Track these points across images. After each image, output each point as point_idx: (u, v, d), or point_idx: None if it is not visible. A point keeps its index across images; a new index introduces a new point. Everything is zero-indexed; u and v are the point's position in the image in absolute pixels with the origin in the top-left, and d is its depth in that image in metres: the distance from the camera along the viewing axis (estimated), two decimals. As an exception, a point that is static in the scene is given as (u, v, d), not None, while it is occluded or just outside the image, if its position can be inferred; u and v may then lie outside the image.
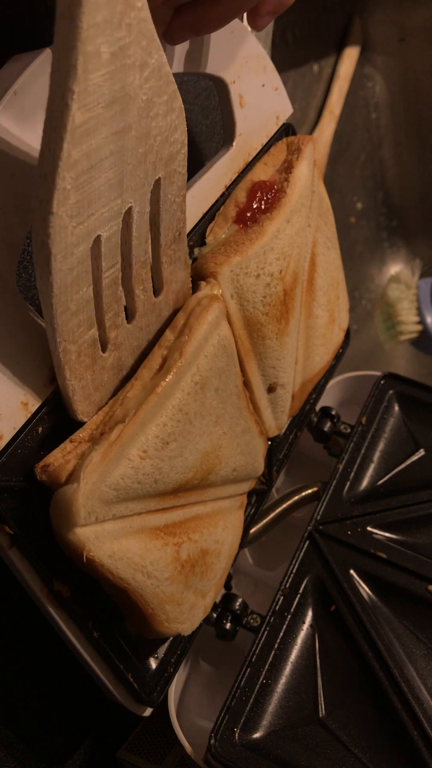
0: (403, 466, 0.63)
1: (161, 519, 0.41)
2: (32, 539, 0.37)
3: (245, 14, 0.42)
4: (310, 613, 0.54)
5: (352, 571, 0.55)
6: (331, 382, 0.70)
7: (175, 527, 0.42)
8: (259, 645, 0.52)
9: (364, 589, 0.55)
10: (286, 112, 0.55)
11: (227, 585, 0.56)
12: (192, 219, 0.46)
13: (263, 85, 0.51)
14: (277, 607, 0.54)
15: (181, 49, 0.43)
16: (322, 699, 0.50)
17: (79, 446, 0.37)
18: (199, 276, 0.45)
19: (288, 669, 0.52)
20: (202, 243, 0.47)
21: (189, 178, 0.45)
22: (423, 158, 1.07)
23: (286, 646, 0.52)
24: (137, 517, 0.39)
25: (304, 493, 0.64)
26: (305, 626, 0.54)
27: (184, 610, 0.44)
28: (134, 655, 0.45)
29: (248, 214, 0.48)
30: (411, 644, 0.52)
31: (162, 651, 0.48)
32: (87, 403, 0.38)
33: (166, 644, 0.48)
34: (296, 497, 0.64)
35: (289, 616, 0.53)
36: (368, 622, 0.52)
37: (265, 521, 0.62)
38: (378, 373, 0.69)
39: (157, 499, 0.40)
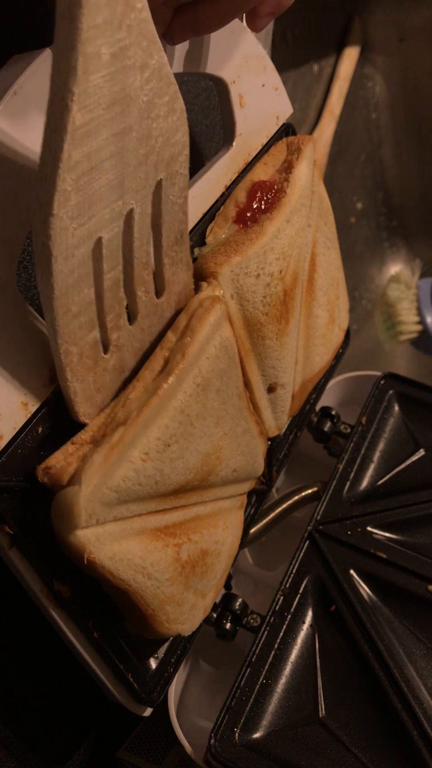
0: (403, 466, 0.63)
1: (161, 520, 0.41)
2: (32, 539, 0.37)
3: (244, 15, 0.42)
4: (310, 613, 0.54)
5: (352, 571, 0.55)
6: (331, 382, 0.70)
7: (176, 528, 0.42)
8: (259, 645, 0.52)
9: (364, 589, 0.55)
10: (286, 112, 0.55)
11: (227, 585, 0.56)
12: (192, 219, 0.46)
13: (263, 85, 0.51)
14: (277, 607, 0.54)
15: (181, 49, 0.43)
16: (322, 699, 0.50)
17: (81, 448, 0.37)
18: (199, 276, 0.45)
19: (288, 669, 0.52)
20: (202, 243, 0.47)
21: (189, 179, 0.45)
22: (423, 158, 1.07)
23: (286, 646, 0.52)
24: (138, 519, 0.39)
25: (304, 493, 0.64)
26: (305, 626, 0.54)
27: (184, 611, 0.44)
28: (134, 655, 0.45)
29: (248, 214, 0.48)
30: (411, 644, 0.52)
31: (162, 651, 0.48)
32: (89, 405, 0.38)
33: (166, 644, 0.48)
34: (296, 497, 0.64)
35: (289, 616, 0.53)
36: (368, 622, 0.52)
37: (265, 521, 0.62)
38: (378, 373, 0.69)
39: (158, 500, 0.40)
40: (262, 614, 0.54)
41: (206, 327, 0.41)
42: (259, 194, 0.49)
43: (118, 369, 0.39)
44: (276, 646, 0.52)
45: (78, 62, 0.26)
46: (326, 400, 0.70)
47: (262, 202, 0.49)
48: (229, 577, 0.56)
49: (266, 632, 0.53)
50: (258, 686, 0.50)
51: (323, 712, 0.50)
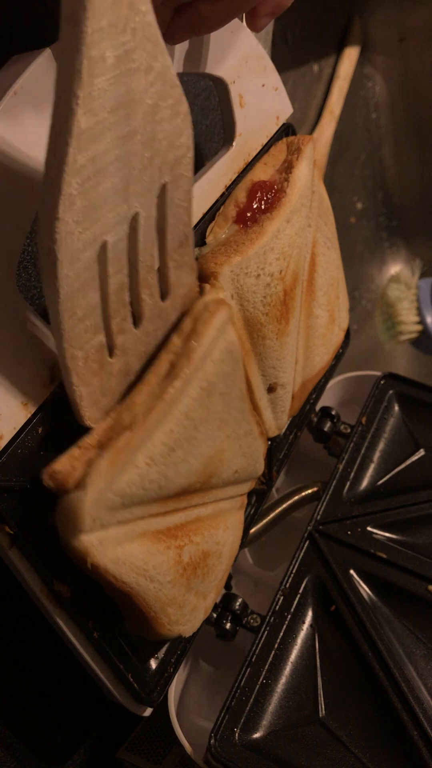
0: (403, 466, 0.63)
1: (163, 522, 0.41)
2: (32, 539, 0.37)
3: (244, 15, 0.42)
4: (310, 613, 0.54)
5: (352, 571, 0.56)
6: (331, 382, 0.70)
7: (177, 530, 0.42)
8: (259, 645, 0.52)
9: (364, 589, 0.55)
10: (286, 112, 0.55)
11: (227, 585, 0.56)
12: (192, 219, 0.46)
13: (263, 85, 0.51)
14: (277, 607, 0.54)
15: (181, 49, 0.43)
16: (322, 699, 0.50)
17: (87, 452, 0.37)
18: (198, 276, 0.45)
19: (288, 669, 0.52)
20: (202, 243, 0.47)
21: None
22: (423, 158, 1.07)
23: (286, 646, 0.52)
24: (140, 522, 0.39)
25: (304, 493, 0.64)
26: (305, 626, 0.54)
27: (185, 612, 0.44)
28: (134, 655, 0.45)
29: (248, 214, 0.48)
30: (411, 644, 0.52)
31: (162, 651, 0.48)
32: (94, 409, 0.38)
33: (166, 644, 0.48)
34: (296, 497, 0.64)
35: (289, 616, 0.54)
36: (368, 622, 0.52)
37: (265, 521, 0.62)
38: (378, 373, 0.69)
39: (160, 503, 0.40)
40: (262, 614, 0.54)
41: (212, 331, 0.40)
42: (259, 194, 0.49)
43: (124, 373, 0.39)
44: (276, 646, 0.52)
45: (83, 65, 0.26)
46: (326, 400, 0.70)
47: (262, 202, 0.49)
48: (229, 577, 0.56)
49: (266, 632, 0.53)
50: (258, 686, 0.50)
51: (323, 712, 0.50)
